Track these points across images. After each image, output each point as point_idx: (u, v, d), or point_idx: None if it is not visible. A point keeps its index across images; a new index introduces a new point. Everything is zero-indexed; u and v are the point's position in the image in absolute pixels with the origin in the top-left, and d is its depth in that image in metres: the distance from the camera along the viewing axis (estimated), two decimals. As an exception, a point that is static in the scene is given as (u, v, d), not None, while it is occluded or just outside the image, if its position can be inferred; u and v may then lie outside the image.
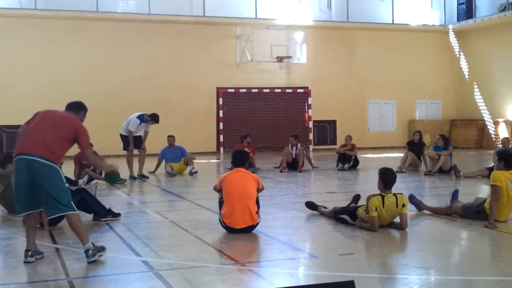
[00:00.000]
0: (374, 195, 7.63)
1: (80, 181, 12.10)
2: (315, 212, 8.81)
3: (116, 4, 23.20)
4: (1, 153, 17.52)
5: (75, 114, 6.68)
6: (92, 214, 8.46)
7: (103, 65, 22.61)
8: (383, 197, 7.58)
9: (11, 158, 9.29)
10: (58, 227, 7.91)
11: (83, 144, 6.40)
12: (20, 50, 21.72)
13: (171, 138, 15.75)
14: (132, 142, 14.00)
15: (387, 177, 7.74)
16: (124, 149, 14.30)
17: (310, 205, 9.02)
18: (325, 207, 8.75)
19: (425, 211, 8.84)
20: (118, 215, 8.60)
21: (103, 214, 8.44)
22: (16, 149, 6.46)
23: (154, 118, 14.26)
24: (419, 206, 8.92)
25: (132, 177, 13.86)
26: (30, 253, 6.25)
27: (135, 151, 14.31)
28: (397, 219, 7.69)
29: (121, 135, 14.36)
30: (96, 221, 8.39)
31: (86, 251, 6.11)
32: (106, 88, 22.49)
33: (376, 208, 7.50)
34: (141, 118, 14.16)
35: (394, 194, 7.63)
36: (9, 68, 21.56)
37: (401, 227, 7.60)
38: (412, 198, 8.91)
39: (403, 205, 7.58)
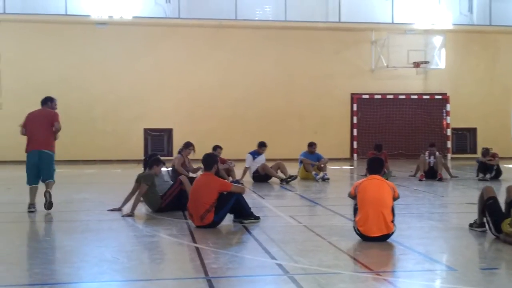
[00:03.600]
0: (518, 208, 7.22)
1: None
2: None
3: (254, 12, 23.80)
4: (146, 154, 18.54)
5: (48, 107, 10.32)
6: (233, 215, 8.69)
7: (240, 71, 23.29)
8: (528, 208, 7.15)
9: (159, 161, 9.92)
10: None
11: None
12: (163, 57, 22.92)
13: (314, 146, 15.80)
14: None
15: None
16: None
17: None
18: None
19: None
20: (259, 218, 8.79)
21: (248, 216, 8.65)
22: (31, 146, 9.91)
23: (260, 145, 14.96)
24: None
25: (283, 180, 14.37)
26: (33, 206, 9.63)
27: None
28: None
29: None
30: (237, 223, 8.62)
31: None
32: (242, 94, 23.15)
33: (521, 222, 7.09)
34: (253, 153, 14.84)
35: None
36: (152, 74, 22.81)
37: None
38: None
39: None
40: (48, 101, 10.41)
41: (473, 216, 8.28)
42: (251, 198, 11.83)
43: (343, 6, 23.96)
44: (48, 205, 9.62)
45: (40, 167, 9.87)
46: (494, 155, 15.45)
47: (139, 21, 22.69)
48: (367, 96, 23.92)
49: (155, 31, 22.96)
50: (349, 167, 20.28)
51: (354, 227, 7.61)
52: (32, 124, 9.95)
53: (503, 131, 24.73)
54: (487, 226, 7.79)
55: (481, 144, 21.79)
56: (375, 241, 7.33)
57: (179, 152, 12.98)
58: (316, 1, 24.21)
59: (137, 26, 22.84)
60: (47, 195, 9.64)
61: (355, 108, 23.80)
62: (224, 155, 14.24)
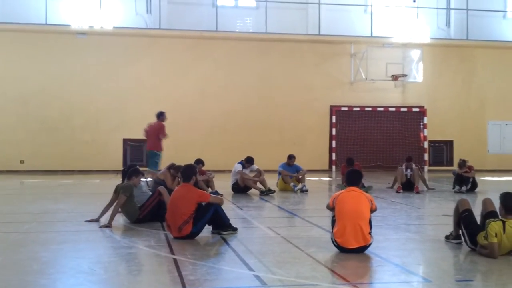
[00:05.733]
0: (494, 220, 7.32)
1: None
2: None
3: (234, 24, 23.89)
4: (125, 165, 18.45)
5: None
6: (211, 227, 8.69)
7: (221, 82, 23.35)
8: (504, 222, 7.26)
9: (137, 172, 9.90)
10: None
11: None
12: (144, 68, 22.90)
13: (293, 159, 15.87)
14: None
15: (508, 202, 7.39)
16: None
17: None
18: None
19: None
20: (236, 229, 8.80)
21: (226, 227, 8.66)
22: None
23: (248, 161, 14.89)
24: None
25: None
26: None
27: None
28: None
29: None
30: (215, 234, 8.61)
31: None
32: (222, 105, 23.20)
33: (496, 234, 7.19)
34: (242, 163, 14.86)
35: None
36: (133, 84, 22.77)
37: None
38: None
39: None
40: (159, 116, 15.64)
41: (449, 228, 8.38)
42: (230, 209, 11.83)
43: (323, 19, 24.18)
44: None
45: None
46: (470, 168, 15.65)
47: (119, 31, 22.66)
48: (346, 108, 24.11)
49: (136, 42, 22.94)
50: (327, 179, 20.39)
51: (331, 239, 7.66)
52: (147, 132, 15.55)
53: (479, 144, 25.07)
54: (462, 238, 7.90)
55: (457, 157, 22.07)
56: (352, 252, 7.39)
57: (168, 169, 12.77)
58: (297, 14, 24.40)
59: (117, 37, 22.80)
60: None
61: (334, 120, 23.97)
62: (204, 166, 14.24)
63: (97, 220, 9.61)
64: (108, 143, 22.49)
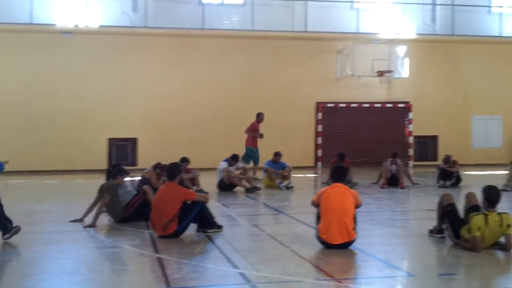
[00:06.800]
0: (476, 214, 7.38)
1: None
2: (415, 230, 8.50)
3: (221, 21, 23.83)
4: (110, 164, 18.38)
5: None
6: (196, 225, 8.67)
7: (207, 80, 23.29)
8: (486, 216, 7.32)
9: (122, 171, 9.87)
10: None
11: None
12: (130, 66, 22.79)
13: (279, 156, 15.89)
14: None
15: (491, 195, 7.47)
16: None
17: None
18: None
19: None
20: (221, 227, 8.80)
21: (211, 225, 8.65)
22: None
23: (233, 159, 15.04)
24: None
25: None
26: None
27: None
28: (502, 239, 7.39)
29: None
30: (200, 232, 8.60)
31: None
32: (208, 103, 23.14)
33: (479, 228, 7.25)
34: (227, 161, 14.96)
35: (499, 214, 7.34)
36: (118, 83, 22.66)
37: (506, 248, 7.31)
38: None
39: (508, 226, 7.27)
40: (256, 116, 17.91)
41: (433, 222, 8.44)
42: (215, 207, 11.84)
43: (309, 16, 24.16)
44: None
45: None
46: (454, 162, 15.76)
47: (105, 30, 22.51)
48: (332, 105, 24.13)
49: (121, 40, 22.82)
50: (313, 175, 20.45)
51: (316, 235, 7.69)
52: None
53: (464, 139, 25.21)
54: (446, 232, 7.96)
55: (442, 152, 22.18)
56: (337, 248, 7.43)
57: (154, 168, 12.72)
58: (283, 11, 24.37)
59: (103, 35, 22.66)
60: None
61: (320, 117, 24.00)
62: (190, 164, 14.20)
63: (81, 220, 9.57)
64: (94, 143, 22.36)
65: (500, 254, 7.29)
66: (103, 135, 22.49)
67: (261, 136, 17.79)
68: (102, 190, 9.61)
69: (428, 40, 25.00)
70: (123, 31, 22.72)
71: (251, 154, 17.66)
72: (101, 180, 12.71)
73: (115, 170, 10.06)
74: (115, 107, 22.54)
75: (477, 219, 7.30)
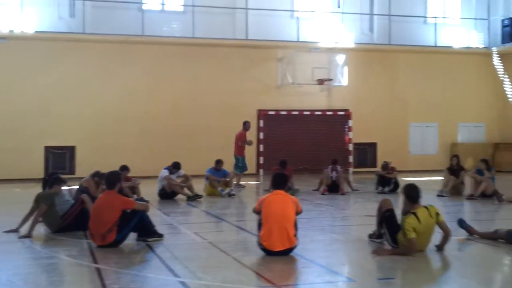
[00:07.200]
0: (407, 217, 7.57)
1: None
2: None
3: (161, 28, 23.64)
4: (47, 173, 17.92)
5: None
6: (136, 234, 8.53)
7: (148, 88, 23.06)
8: (415, 213, 7.53)
9: (59, 180, 9.61)
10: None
11: None
12: (67, 73, 22.31)
13: (220, 164, 15.84)
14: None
15: (410, 192, 7.76)
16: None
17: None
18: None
19: (475, 236, 8.68)
20: (162, 235, 8.69)
21: (152, 234, 8.52)
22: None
23: (175, 166, 14.88)
24: (468, 231, 8.77)
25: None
26: None
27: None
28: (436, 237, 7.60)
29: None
30: (140, 241, 8.47)
31: None
32: (150, 110, 22.90)
33: (414, 228, 7.43)
34: (168, 169, 14.80)
35: (425, 206, 7.62)
36: (56, 90, 22.14)
37: (445, 237, 7.64)
38: (462, 223, 8.83)
39: (437, 214, 7.62)
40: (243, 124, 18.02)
41: (372, 227, 8.59)
42: (156, 215, 11.69)
43: (250, 24, 24.27)
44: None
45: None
46: (392, 169, 16.12)
47: (41, 35, 21.95)
48: (273, 113, 24.29)
49: (59, 46, 22.30)
50: (255, 183, 20.50)
51: (258, 242, 7.69)
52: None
53: (401, 146, 25.83)
54: (384, 237, 8.11)
55: (381, 158, 22.67)
56: (278, 255, 7.45)
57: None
58: (224, 19, 24.38)
59: (39, 41, 22.10)
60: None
61: (261, 124, 24.11)
62: (130, 172, 13.98)
63: (16, 231, 9.27)
64: (29, 151, 21.74)
65: (438, 258, 7.47)
66: (40, 143, 21.91)
67: (250, 143, 18.31)
68: (38, 200, 9.34)
69: (366, 49, 25.52)
70: (60, 37, 22.24)
71: (239, 162, 17.92)
72: (37, 189, 12.35)
73: (51, 179, 9.80)
74: (52, 114, 22.00)
75: (410, 220, 7.51)
